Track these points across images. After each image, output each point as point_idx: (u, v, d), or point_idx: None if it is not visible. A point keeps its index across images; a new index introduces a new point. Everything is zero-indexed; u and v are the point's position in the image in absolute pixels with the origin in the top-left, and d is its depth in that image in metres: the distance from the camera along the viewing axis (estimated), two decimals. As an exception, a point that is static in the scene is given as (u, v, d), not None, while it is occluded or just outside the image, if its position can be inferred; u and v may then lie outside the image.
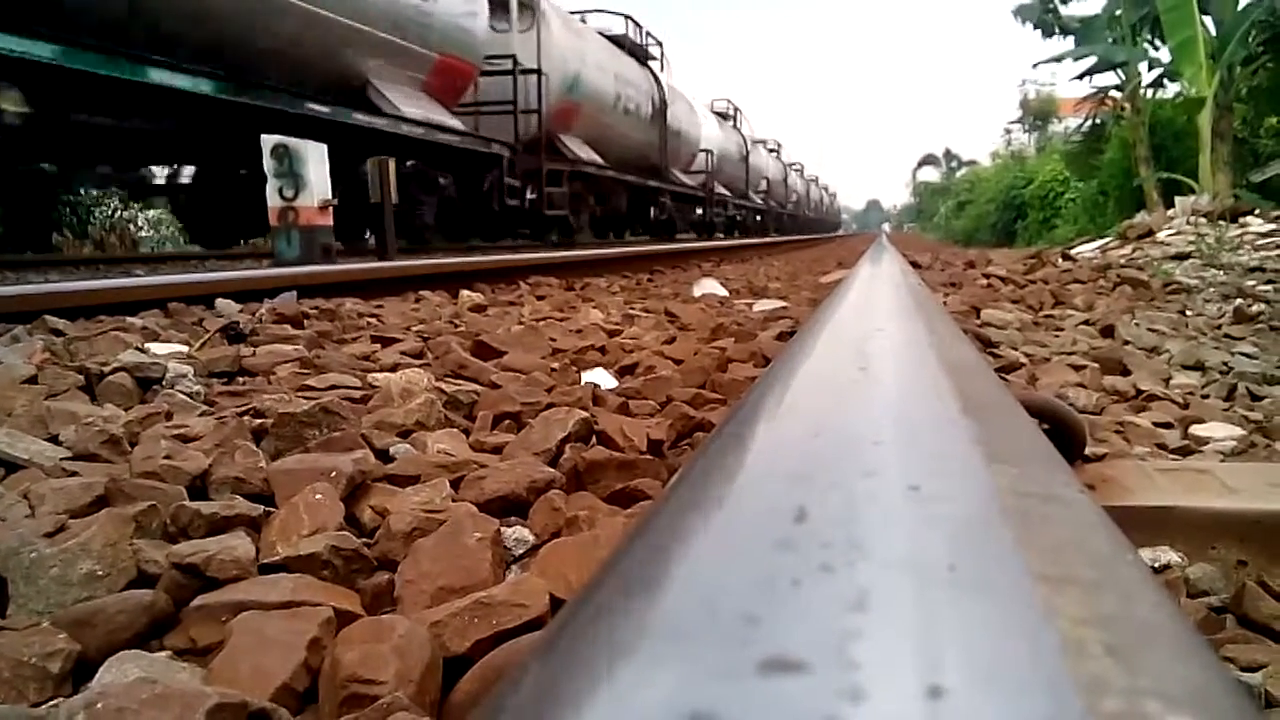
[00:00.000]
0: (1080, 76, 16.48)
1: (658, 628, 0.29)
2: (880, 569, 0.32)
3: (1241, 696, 0.27)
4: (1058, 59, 16.37)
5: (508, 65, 11.55)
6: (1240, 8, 13.01)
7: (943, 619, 0.28)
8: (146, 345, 2.61)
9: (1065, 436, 1.32)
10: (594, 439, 1.62)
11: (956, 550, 0.34)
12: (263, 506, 1.21)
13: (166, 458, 1.36)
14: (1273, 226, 9.17)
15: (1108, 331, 3.39)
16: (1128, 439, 1.74)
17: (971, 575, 0.31)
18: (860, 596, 0.29)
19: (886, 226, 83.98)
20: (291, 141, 6.33)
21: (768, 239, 19.89)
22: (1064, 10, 16.97)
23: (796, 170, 39.53)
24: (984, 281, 5.81)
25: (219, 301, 3.84)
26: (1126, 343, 3.13)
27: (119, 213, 16.10)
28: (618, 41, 16.56)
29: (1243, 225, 9.57)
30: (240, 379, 2.25)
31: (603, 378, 2.32)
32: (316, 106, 7.67)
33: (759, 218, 30.35)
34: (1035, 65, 23.25)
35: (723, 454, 0.53)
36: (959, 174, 58.08)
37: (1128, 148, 15.76)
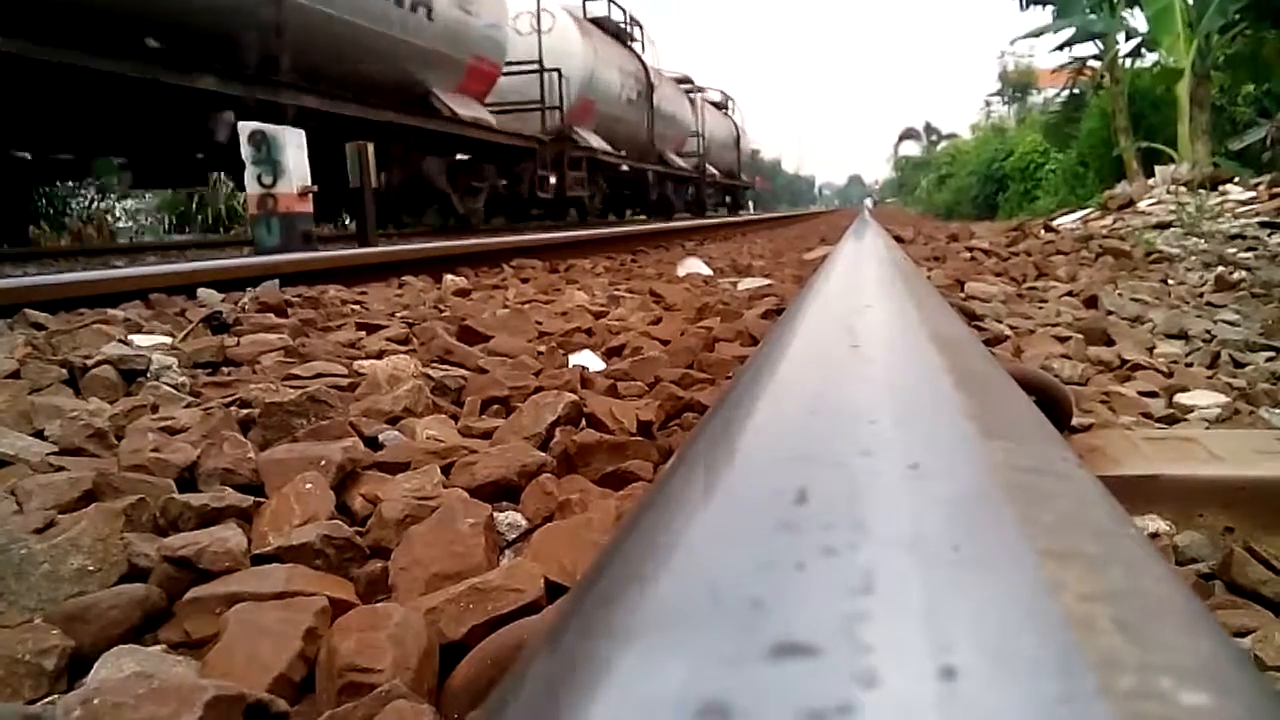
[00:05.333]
0: (1059, 47, 16.43)
1: (663, 615, 0.29)
2: (884, 549, 0.32)
3: (1249, 668, 0.27)
4: (1036, 33, 16.30)
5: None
6: (1216, -25, 12.98)
7: (949, 598, 0.28)
8: (129, 337, 2.59)
9: (1051, 408, 1.33)
10: (583, 421, 1.62)
11: (959, 528, 0.34)
12: (253, 497, 1.20)
13: (154, 450, 1.35)
14: (1252, 194, 9.21)
15: (1091, 302, 3.40)
16: (1113, 409, 1.75)
17: (976, 553, 0.31)
18: (866, 579, 0.29)
19: (869, 202, 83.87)
20: (269, 128, 6.25)
21: (750, 216, 26.66)
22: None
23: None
24: (967, 255, 5.82)
25: (201, 291, 3.81)
26: (1110, 313, 3.15)
27: (95, 204, 15.87)
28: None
29: (1223, 193, 9.60)
30: (225, 369, 2.23)
31: (590, 360, 2.31)
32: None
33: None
34: (1013, 41, 23.73)
35: (717, 436, 0.53)
36: (939, 147, 58.04)
37: (1107, 118, 15.73)
